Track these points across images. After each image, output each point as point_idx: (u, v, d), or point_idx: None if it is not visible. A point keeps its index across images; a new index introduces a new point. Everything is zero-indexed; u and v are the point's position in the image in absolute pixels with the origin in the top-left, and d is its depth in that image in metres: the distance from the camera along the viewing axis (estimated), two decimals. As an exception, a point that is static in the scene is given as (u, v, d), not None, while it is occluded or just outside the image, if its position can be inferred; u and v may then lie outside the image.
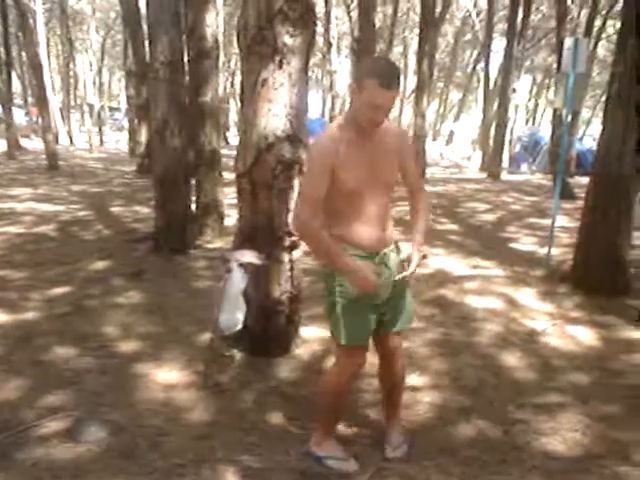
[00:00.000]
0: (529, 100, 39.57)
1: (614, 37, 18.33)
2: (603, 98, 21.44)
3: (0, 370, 3.49)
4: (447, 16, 23.48)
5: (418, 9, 19.99)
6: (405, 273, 2.57)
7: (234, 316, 3.44)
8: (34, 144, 21.69)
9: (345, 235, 2.49)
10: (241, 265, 3.48)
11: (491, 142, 18.58)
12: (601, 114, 6.28)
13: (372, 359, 2.83)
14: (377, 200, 2.50)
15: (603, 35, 22.33)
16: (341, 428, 3.00)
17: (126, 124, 24.19)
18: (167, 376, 3.53)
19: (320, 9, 19.89)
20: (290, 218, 3.43)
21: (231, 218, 7.19)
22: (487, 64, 21.93)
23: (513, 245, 7.68)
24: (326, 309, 2.65)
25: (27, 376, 3.42)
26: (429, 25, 15.52)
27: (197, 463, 2.65)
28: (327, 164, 2.38)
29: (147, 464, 2.64)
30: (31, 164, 16.13)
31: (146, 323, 4.37)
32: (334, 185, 2.41)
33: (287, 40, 3.37)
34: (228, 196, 7.63)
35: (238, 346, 3.77)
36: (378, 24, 18.74)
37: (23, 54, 24.83)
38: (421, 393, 3.45)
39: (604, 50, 27.30)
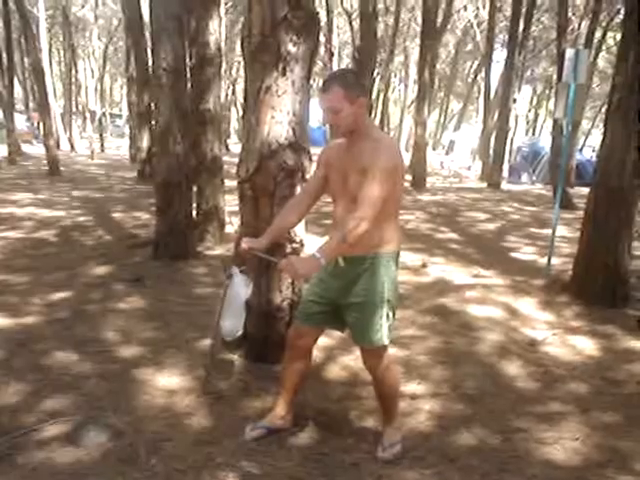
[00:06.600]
0: (529, 110, 39.71)
1: (614, 49, 18.43)
2: (603, 109, 21.49)
3: (0, 374, 3.49)
4: (448, 26, 23.64)
5: (419, 19, 20.09)
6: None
7: (235, 322, 3.44)
8: (35, 149, 21.74)
9: None
10: (242, 271, 3.48)
11: (491, 152, 18.62)
12: (601, 125, 6.32)
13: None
14: (341, 205, 2.64)
15: (603, 47, 22.46)
16: (342, 435, 3.00)
17: (127, 131, 24.23)
18: (167, 381, 3.52)
19: (322, 18, 19.96)
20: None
21: (232, 225, 7.20)
22: (488, 74, 22.01)
23: (513, 254, 7.69)
24: None
25: (27, 380, 3.41)
26: (430, 35, 15.63)
27: (197, 469, 2.66)
28: (320, 164, 2.79)
29: (147, 469, 2.64)
30: (32, 169, 16.16)
31: (146, 329, 4.37)
32: None
33: (291, 48, 3.38)
34: (229, 203, 7.64)
35: (238, 352, 3.77)
36: (379, 33, 18.84)
37: (25, 60, 24.89)
38: (421, 401, 3.44)
39: (604, 62, 27.45)
